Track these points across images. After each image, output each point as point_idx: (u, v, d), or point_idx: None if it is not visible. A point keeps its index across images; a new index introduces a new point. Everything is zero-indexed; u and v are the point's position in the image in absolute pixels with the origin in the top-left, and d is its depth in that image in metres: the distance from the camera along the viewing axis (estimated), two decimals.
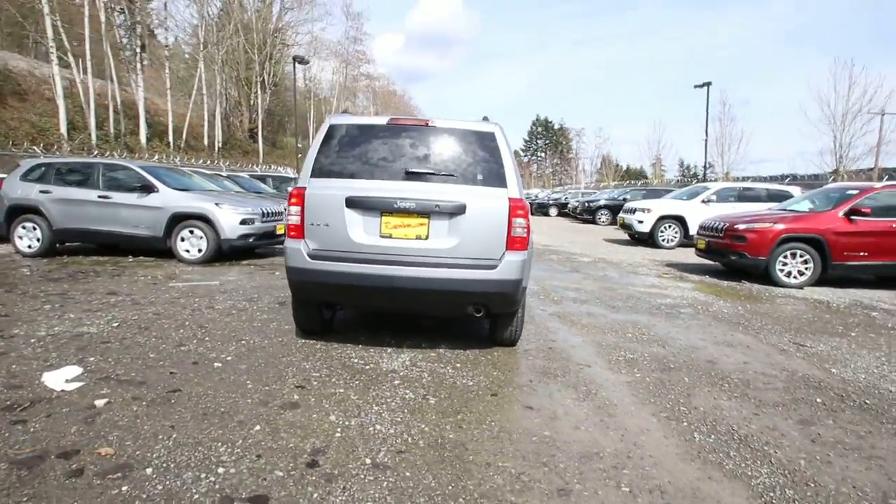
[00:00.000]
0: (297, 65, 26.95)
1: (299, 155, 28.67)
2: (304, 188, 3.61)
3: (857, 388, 3.67)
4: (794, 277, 7.82)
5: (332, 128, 3.69)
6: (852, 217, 7.74)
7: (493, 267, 3.52)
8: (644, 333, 4.87)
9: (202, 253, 7.94)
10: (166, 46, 31.78)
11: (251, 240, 8.29)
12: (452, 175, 3.62)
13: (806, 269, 7.80)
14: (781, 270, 7.85)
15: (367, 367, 3.63)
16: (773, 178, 29.62)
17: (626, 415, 3.05)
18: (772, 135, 76.10)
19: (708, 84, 33.99)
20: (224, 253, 8.07)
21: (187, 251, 7.97)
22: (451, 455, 2.49)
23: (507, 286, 3.57)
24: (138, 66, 27.30)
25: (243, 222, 8.11)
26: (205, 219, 7.91)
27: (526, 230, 3.62)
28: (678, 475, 2.43)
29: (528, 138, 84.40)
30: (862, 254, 7.74)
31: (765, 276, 7.96)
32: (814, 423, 3.07)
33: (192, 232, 7.94)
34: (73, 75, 23.68)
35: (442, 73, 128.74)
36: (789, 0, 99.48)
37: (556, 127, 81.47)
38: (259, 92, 34.35)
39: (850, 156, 28.64)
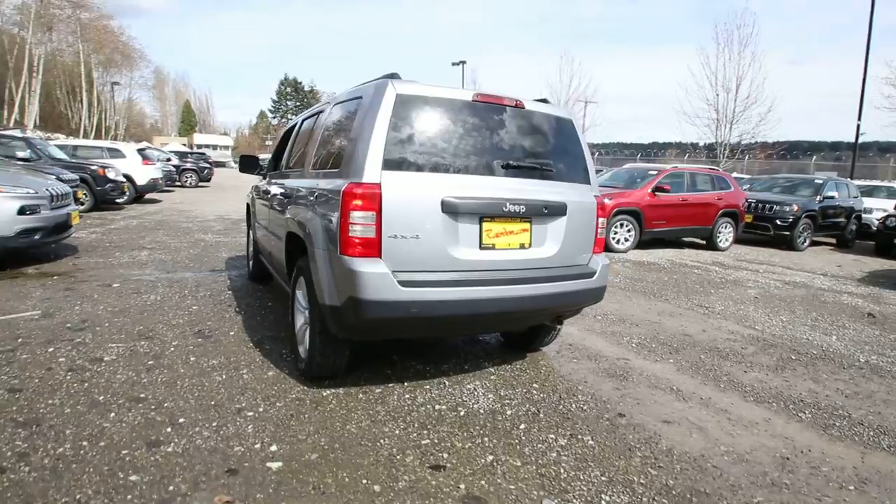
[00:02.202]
0: None
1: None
2: (377, 185, 2.49)
3: (790, 341, 4.62)
4: (621, 244, 9.38)
5: (400, 100, 2.60)
6: (657, 193, 9.65)
7: (591, 275, 3.11)
8: (605, 314, 5.13)
9: None
10: None
11: (38, 236, 5.54)
12: (551, 170, 3.02)
13: (629, 236, 9.43)
14: (613, 238, 9.31)
15: (462, 412, 2.84)
16: None
17: (731, 407, 3.15)
18: None
19: (463, 62, 37.41)
20: None
21: None
22: None
23: (601, 294, 3.23)
24: None
25: (23, 211, 5.34)
26: None
27: (603, 229, 3.32)
28: (851, 459, 2.63)
29: (276, 99, 78.87)
30: (663, 222, 9.77)
31: None
32: (821, 379, 3.73)
33: None
34: None
35: (159, 11, 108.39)
36: None
37: (307, 88, 78.07)
38: None
39: None
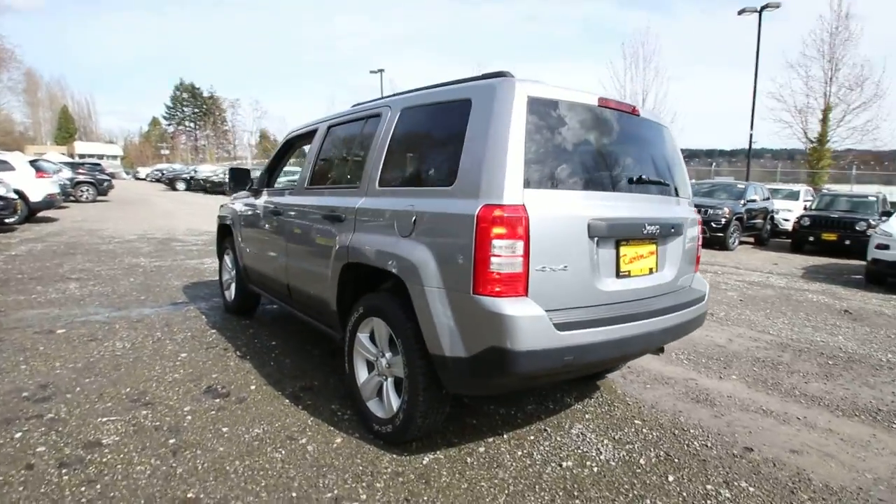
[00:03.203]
0: None
1: None
2: (521, 206, 2.01)
3: (810, 345, 4.71)
4: None
5: (531, 103, 2.14)
6: None
7: (702, 298, 2.83)
8: None
9: None
10: None
11: None
12: (668, 184, 2.71)
13: None
14: None
15: (594, 468, 2.40)
16: None
17: (831, 425, 3.02)
18: None
19: (381, 70, 36.82)
20: None
21: None
22: None
23: (705, 318, 2.96)
24: None
25: None
26: None
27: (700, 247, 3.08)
28: None
29: (171, 105, 72.81)
30: None
31: None
32: (872, 383, 3.75)
33: None
34: None
35: (30, 9, 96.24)
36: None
37: (206, 94, 72.91)
38: None
39: None
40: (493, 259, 1.98)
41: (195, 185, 28.60)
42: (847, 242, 11.53)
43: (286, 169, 4.38)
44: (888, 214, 9.92)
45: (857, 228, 11.48)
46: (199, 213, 15.61)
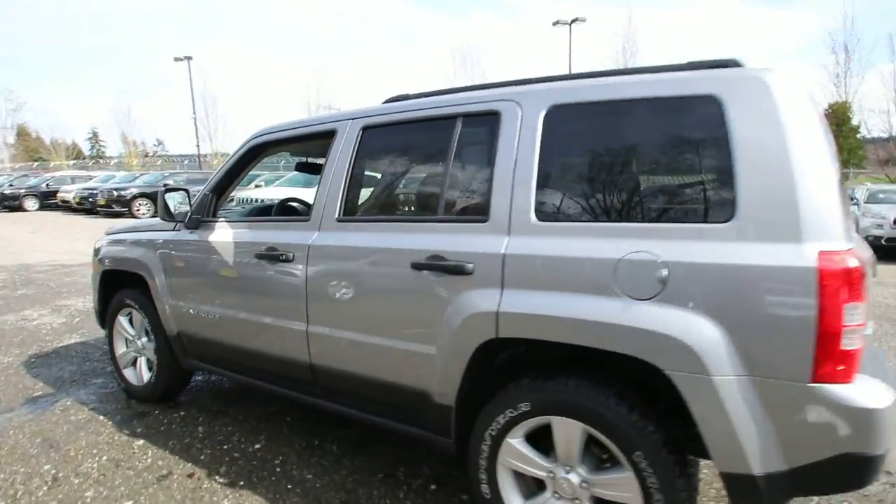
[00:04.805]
0: None
1: None
2: (852, 251, 1.41)
3: None
4: None
5: (813, 105, 1.55)
6: None
7: None
8: None
9: None
10: None
11: None
12: None
13: None
14: None
15: None
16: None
17: None
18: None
19: (189, 58, 31.96)
20: None
21: None
22: None
23: None
24: None
25: None
26: None
27: None
28: None
29: None
30: None
31: None
32: None
33: None
34: None
35: None
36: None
37: None
38: None
39: None
40: (844, 331, 1.36)
41: None
42: None
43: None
44: None
45: None
46: None
